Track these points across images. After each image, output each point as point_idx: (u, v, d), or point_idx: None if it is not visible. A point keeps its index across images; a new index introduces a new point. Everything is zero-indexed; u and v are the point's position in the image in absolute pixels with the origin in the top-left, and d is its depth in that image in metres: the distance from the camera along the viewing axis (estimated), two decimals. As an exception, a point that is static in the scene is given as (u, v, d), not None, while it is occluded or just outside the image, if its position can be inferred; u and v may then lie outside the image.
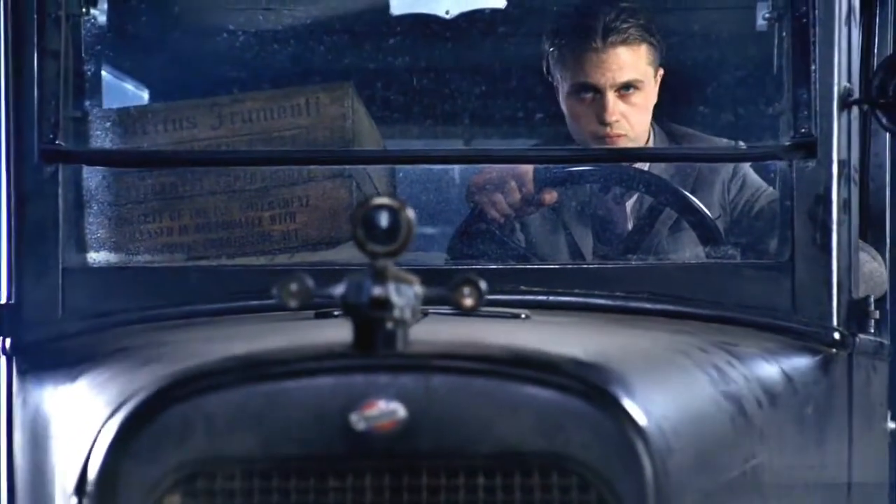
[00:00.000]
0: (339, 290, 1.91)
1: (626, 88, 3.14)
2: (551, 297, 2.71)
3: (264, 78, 3.21)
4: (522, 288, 2.72)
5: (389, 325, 1.91)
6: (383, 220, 1.90)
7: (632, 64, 3.12)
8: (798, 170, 2.74)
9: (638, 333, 2.53)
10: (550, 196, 3.05)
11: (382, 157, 3.09)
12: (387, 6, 3.08)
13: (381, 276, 1.89)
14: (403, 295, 1.90)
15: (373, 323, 1.90)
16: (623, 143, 3.14)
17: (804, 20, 2.74)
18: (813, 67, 2.73)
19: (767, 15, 2.95)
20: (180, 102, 3.04)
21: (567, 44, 3.15)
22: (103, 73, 3.18)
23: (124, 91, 3.62)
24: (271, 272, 2.82)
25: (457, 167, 3.21)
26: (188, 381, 1.91)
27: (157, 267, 2.88)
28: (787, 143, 2.76)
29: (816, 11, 2.74)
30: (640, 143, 3.19)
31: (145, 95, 3.70)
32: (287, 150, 2.90)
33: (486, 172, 3.06)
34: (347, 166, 2.90)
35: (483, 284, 1.91)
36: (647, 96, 3.18)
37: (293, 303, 1.90)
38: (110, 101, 3.23)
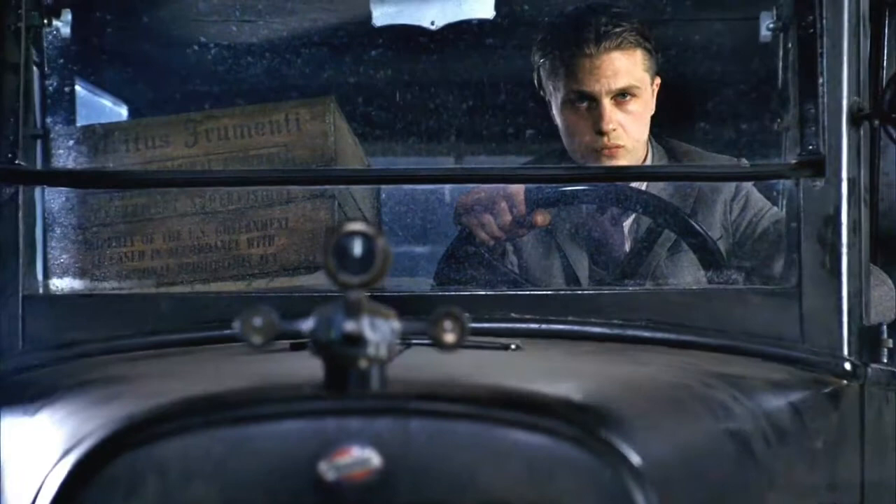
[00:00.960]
0: (307, 324, 1.78)
1: (622, 96, 3.08)
2: (544, 326, 2.62)
3: (241, 93, 3.17)
4: (513, 315, 2.62)
5: (363, 363, 1.78)
6: (357, 248, 1.78)
7: (627, 70, 3.07)
8: (805, 189, 2.64)
9: (637, 366, 2.42)
10: (543, 217, 2.97)
11: (366, 177, 3.00)
12: (369, 17, 3.00)
13: (354, 310, 1.77)
14: (379, 330, 1.78)
15: (345, 361, 1.77)
16: (621, 154, 3.09)
17: (811, 30, 2.65)
18: (820, 80, 2.65)
19: (772, 25, 2.88)
20: (151, 119, 2.97)
21: (559, 52, 3.09)
22: (78, 88, 3.12)
23: (101, 107, 3.56)
24: (247, 299, 2.72)
25: (446, 186, 3.16)
26: (138, 426, 1.77)
27: (124, 294, 2.77)
28: (794, 161, 2.67)
29: (824, 21, 2.65)
30: (639, 155, 3.13)
31: (124, 111, 3.64)
32: (265, 169, 2.81)
33: (474, 192, 2.98)
34: (329, 186, 2.81)
35: (466, 318, 1.79)
36: (645, 104, 3.12)
37: (256, 339, 1.76)
38: (87, 118, 3.17)
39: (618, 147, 3.08)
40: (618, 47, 3.05)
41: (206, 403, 1.79)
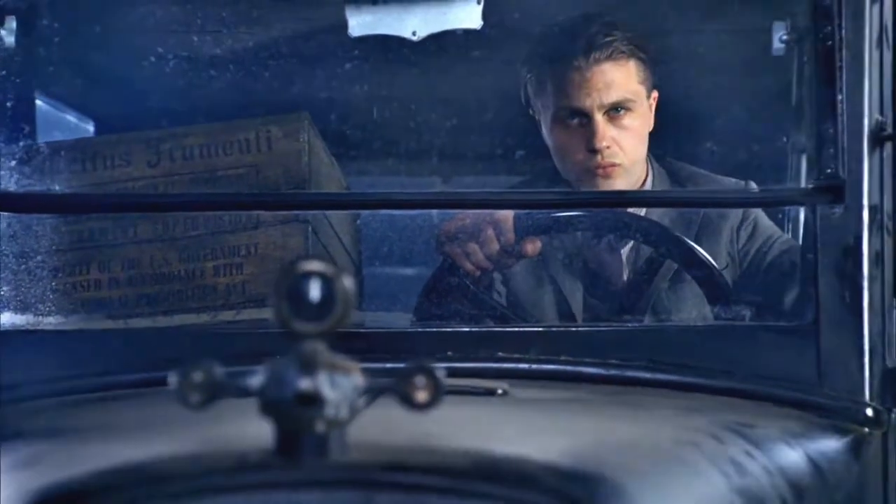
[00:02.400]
0: (255, 381, 1.56)
1: (615, 110, 2.99)
2: (534, 366, 2.48)
3: (207, 109, 3.03)
4: (501, 354, 2.48)
5: (320, 427, 1.56)
6: (313, 290, 1.57)
7: (620, 82, 2.97)
8: (823, 217, 2.52)
9: (638, 416, 2.25)
10: (534, 246, 2.85)
11: (342, 201, 2.88)
12: (345, 26, 2.90)
13: (309, 364, 1.56)
14: (338, 387, 1.56)
15: (299, 425, 1.57)
16: (617, 173, 2.98)
17: (829, 42, 2.52)
18: (839, 97, 2.51)
19: (786, 37, 2.86)
20: (107, 137, 2.92)
21: (546, 66, 3.00)
22: (39, 103, 3.01)
23: (65, 123, 3.45)
24: (214, 333, 2.62)
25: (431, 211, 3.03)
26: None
27: (74, 330, 2.63)
28: (810, 186, 2.55)
29: (843, 32, 2.52)
30: (636, 175, 3.03)
31: (90, 128, 3.54)
32: (233, 192, 2.70)
33: (458, 218, 2.86)
34: (302, 211, 2.70)
35: (441, 374, 1.59)
36: (641, 119, 3.01)
37: (195, 398, 1.53)
38: (50, 135, 3.07)
39: (613, 165, 2.98)
40: (609, 58, 2.95)
41: (133, 477, 1.56)
